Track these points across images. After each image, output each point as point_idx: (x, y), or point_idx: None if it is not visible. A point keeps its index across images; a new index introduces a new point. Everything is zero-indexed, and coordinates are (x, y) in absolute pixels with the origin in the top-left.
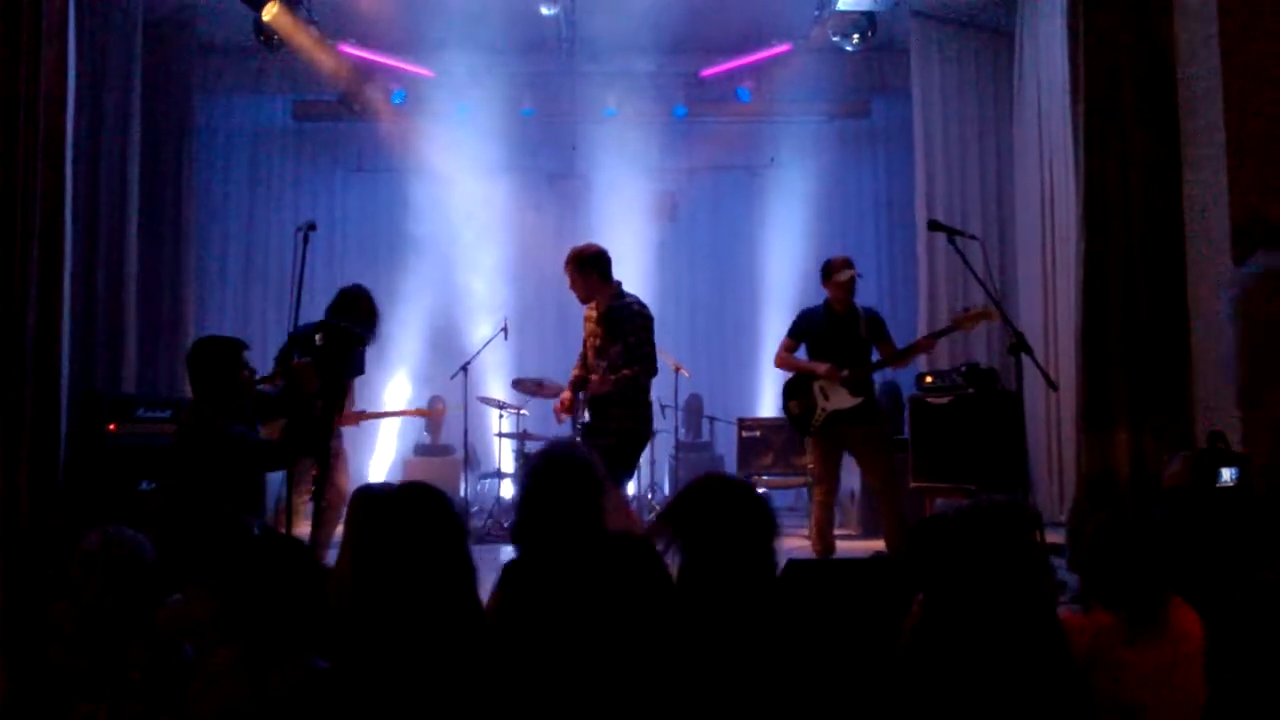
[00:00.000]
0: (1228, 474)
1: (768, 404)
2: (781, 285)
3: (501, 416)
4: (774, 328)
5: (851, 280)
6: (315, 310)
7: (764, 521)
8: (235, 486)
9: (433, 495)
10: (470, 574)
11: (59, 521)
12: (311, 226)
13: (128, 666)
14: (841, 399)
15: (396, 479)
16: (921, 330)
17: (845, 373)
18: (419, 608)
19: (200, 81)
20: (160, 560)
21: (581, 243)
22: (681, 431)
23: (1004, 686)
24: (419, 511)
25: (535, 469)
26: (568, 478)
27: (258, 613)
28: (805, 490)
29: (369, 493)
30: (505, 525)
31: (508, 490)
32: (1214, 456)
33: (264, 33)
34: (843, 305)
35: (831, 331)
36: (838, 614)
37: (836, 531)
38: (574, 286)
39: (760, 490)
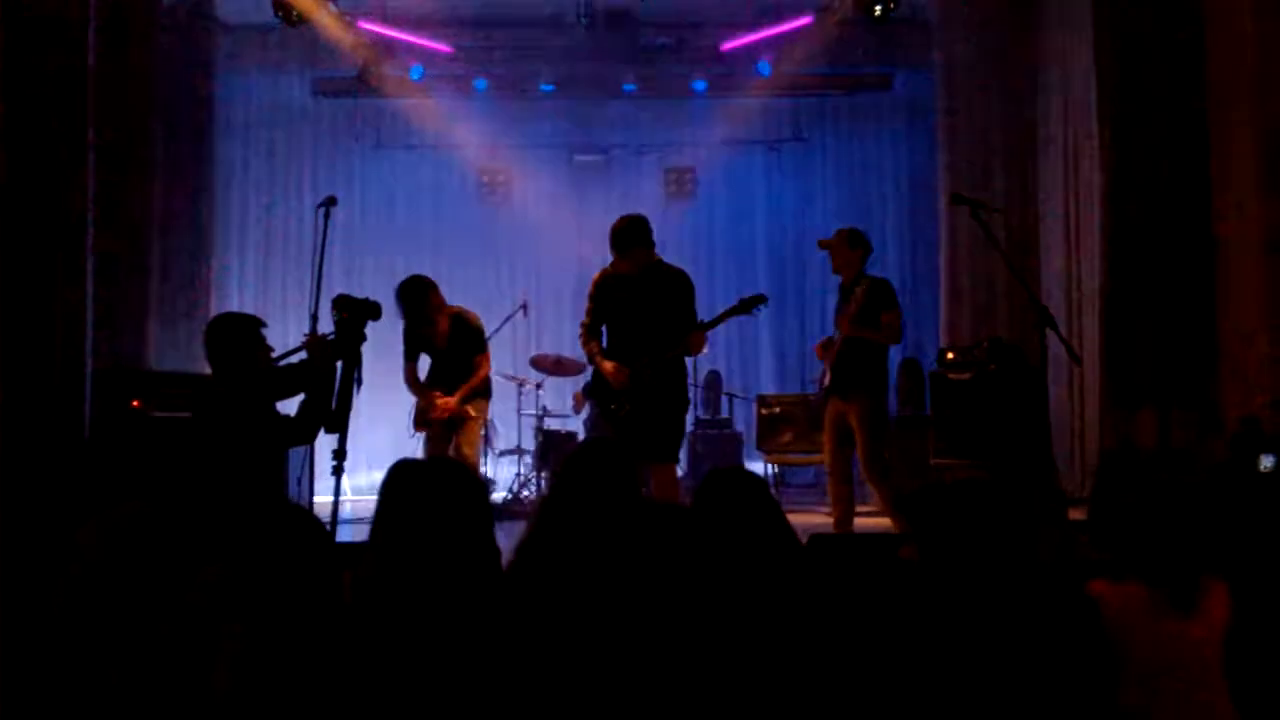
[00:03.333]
0: (1266, 460)
1: (786, 380)
2: (802, 260)
3: (521, 393)
4: (794, 303)
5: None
6: (335, 285)
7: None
8: (254, 463)
9: (462, 473)
10: (495, 557)
11: (83, 498)
12: (332, 201)
13: (153, 638)
14: (827, 376)
15: (417, 455)
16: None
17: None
18: (440, 588)
19: (219, 58)
20: (188, 533)
21: (613, 219)
22: (700, 409)
23: (1021, 658)
24: (446, 489)
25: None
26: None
27: (269, 587)
28: (825, 467)
29: (404, 466)
30: (525, 501)
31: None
32: (1253, 439)
33: (283, 9)
34: (841, 277)
35: (838, 303)
36: (859, 586)
37: (862, 507)
38: (639, 258)
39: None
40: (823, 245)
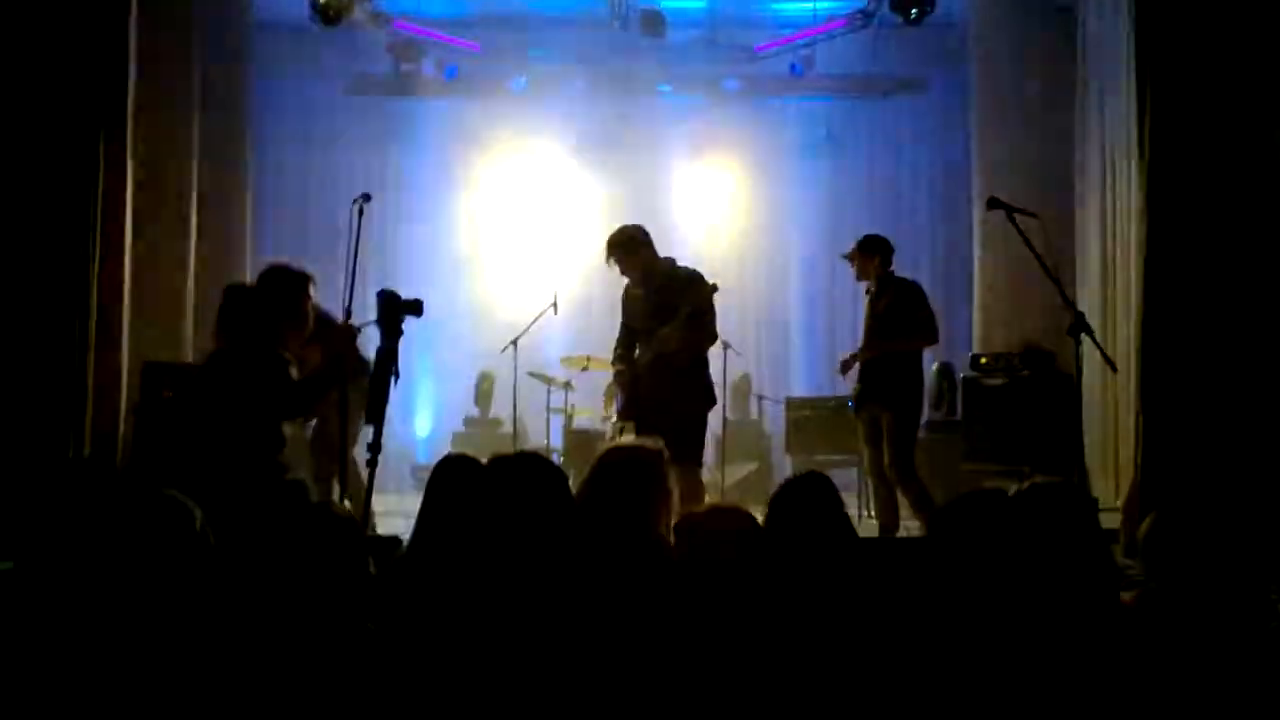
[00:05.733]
0: None
1: (818, 383)
2: (833, 263)
3: (550, 391)
4: (825, 305)
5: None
6: (370, 282)
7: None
8: (259, 421)
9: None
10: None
11: (119, 487)
12: (367, 198)
13: (174, 617)
14: (854, 379)
15: (445, 451)
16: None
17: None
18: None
19: (254, 59)
20: (215, 523)
21: (622, 225)
22: (729, 411)
23: (1062, 669)
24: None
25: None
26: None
27: (299, 573)
28: (856, 470)
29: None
30: None
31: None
32: None
33: (319, 9)
34: (868, 283)
35: (866, 309)
36: (891, 592)
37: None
38: (627, 270)
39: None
40: (845, 258)
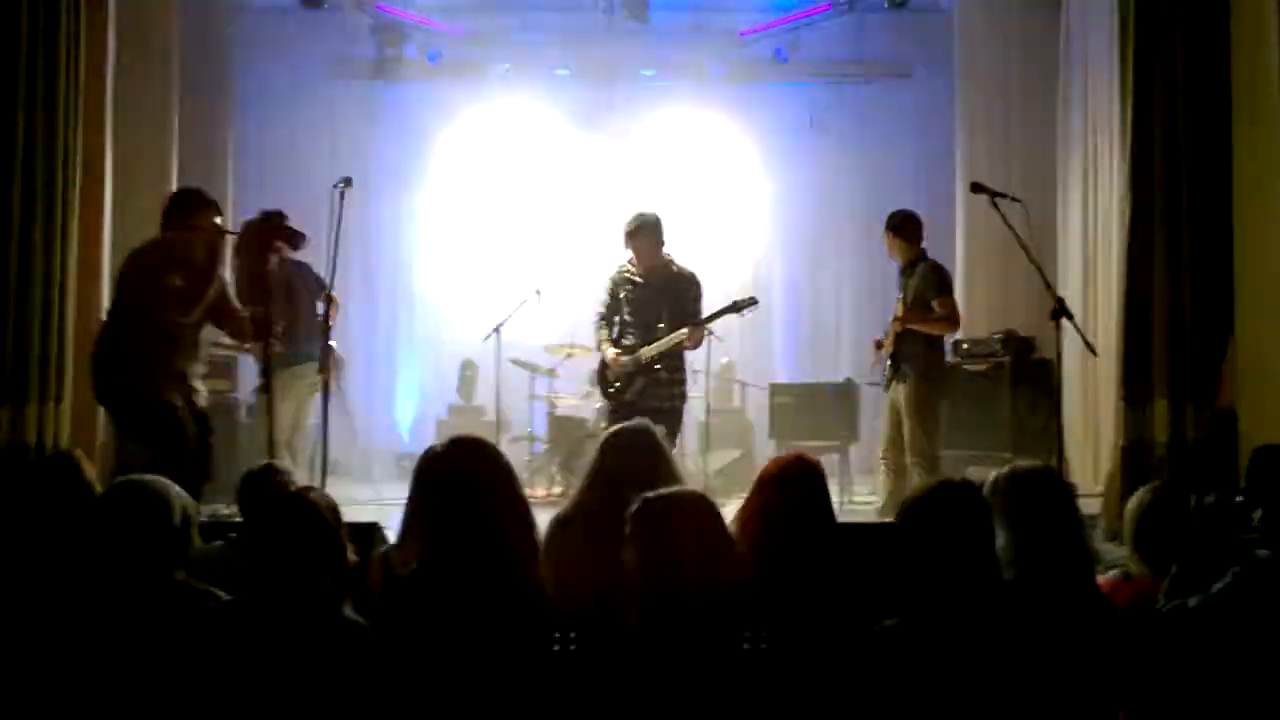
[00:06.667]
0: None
1: (800, 370)
2: (816, 249)
3: (534, 379)
4: (809, 291)
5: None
6: (352, 266)
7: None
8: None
9: (485, 450)
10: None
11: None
12: (348, 183)
13: (153, 611)
14: (888, 363)
15: (430, 440)
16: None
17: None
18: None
19: (238, 41)
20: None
21: (643, 211)
22: (712, 397)
23: (1043, 655)
24: (476, 466)
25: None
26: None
27: (273, 561)
28: (837, 456)
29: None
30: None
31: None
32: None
33: None
34: (898, 259)
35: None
36: (869, 577)
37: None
38: (646, 256)
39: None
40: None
